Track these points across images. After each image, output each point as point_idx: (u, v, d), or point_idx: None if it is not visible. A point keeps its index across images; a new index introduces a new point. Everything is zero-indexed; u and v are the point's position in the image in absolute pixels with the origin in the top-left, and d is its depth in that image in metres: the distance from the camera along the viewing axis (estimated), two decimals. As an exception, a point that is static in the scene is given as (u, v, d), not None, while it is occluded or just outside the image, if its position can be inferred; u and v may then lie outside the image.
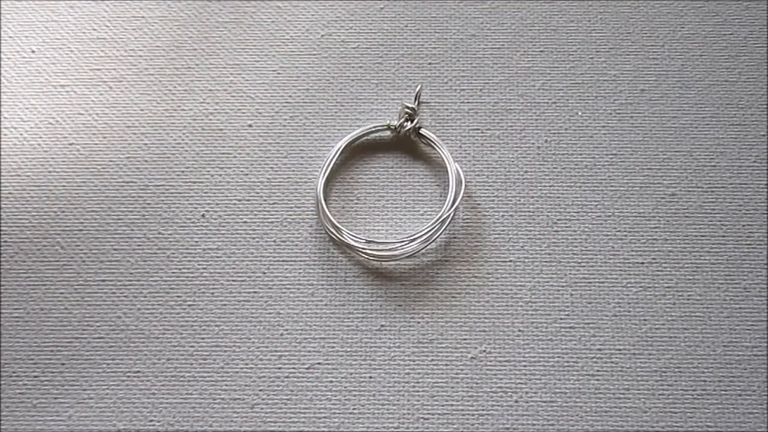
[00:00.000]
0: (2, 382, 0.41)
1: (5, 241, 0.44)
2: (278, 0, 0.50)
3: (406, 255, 0.43)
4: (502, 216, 0.44)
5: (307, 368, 0.41)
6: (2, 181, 0.45)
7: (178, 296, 0.42)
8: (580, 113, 0.46)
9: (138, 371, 0.41)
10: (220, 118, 0.46)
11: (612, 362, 0.41)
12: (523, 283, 0.42)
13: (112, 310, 0.42)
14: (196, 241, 0.44)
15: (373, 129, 0.46)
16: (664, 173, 0.45)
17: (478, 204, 0.44)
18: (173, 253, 0.43)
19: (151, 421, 0.40)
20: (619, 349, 0.41)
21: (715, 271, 0.42)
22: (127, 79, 0.47)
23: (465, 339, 0.41)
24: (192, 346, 0.41)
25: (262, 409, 0.40)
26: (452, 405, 0.40)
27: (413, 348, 0.41)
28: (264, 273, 0.43)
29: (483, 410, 0.40)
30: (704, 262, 0.43)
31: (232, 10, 0.49)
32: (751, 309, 0.42)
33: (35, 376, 0.41)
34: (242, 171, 0.45)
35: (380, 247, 0.43)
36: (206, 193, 0.45)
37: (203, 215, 0.44)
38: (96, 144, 0.46)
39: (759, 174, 0.44)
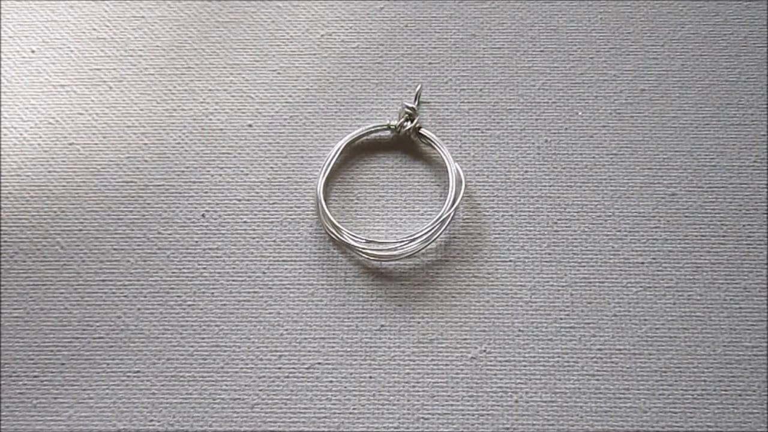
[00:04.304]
0: (2, 382, 0.41)
1: (5, 241, 0.44)
2: (278, 0, 0.50)
3: (406, 255, 0.43)
4: (502, 216, 0.44)
5: (307, 368, 0.41)
6: (2, 181, 0.45)
7: (178, 296, 0.42)
8: (580, 113, 0.46)
9: (138, 371, 0.41)
10: (220, 118, 0.46)
11: (612, 362, 0.41)
12: (523, 283, 0.42)
13: (112, 310, 0.42)
14: (196, 241, 0.44)
15: (373, 129, 0.46)
16: (664, 173, 0.45)
17: (478, 204, 0.44)
18: (173, 253, 0.43)
19: (151, 421, 0.40)
20: (619, 349, 0.41)
21: (715, 271, 0.42)
22: (127, 79, 0.47)
23: (465, 339, 0.41)
24: (192, 346, 0.41)
25: (262, 409, 0.40)
26: (452, 405, 0.40)
27: (413, 348, 0.41)
28: (264, 273, 0.43)
29: (483, 410, 0.40)
30: (704, 262, 0.43)
31: (232, 10, 0.49)
32: (751, 309, 0.42)
33: (35, 376, 0.41)
34: (242, 171, 0.45)
35: (380, 247, 0.43)
36: (206, 193, 0.45)
37: (203, 215, 0.44)
38: (96, 144, 0.46)
39: (759, 174, 0.44)
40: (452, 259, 0.43)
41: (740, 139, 0.45)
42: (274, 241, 0.44)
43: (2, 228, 0.44)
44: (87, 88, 0.47)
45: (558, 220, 0.44)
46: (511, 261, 0.43)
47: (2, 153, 0.46)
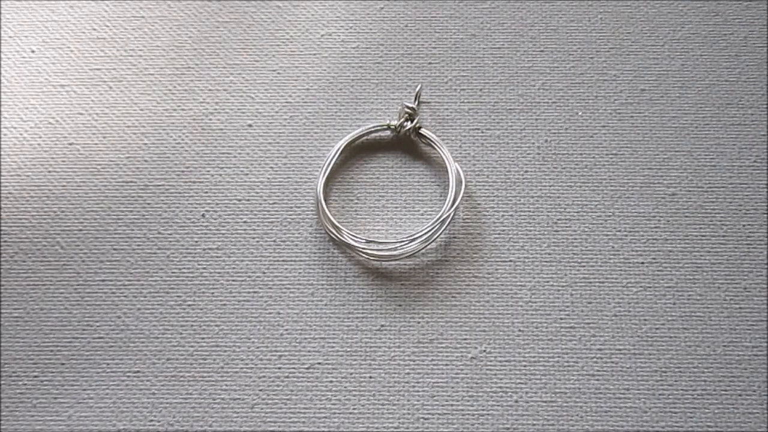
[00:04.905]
0: (2, 382, 0.41)
1: (5, 241, 0.44)
2: (278, 0, 0.50)
3: (406, 255, 0.43)
4: (502, 216, 0.44)
5: (307, 368, 0.41)
6: (2, 181, 0.45)
7: (178, 296, 0.42)
8: (580, 113, 0.46)
9: (138, 371, 0.41)
10: (220, 118, 0.46)
11: (612, 362, 0.41)
12: (523, 283, 0.42)
13: (112, 310, 0.42)
14: (196, 241, 0.44)
15: (373, 129, 0.46)
16: (664, 173, 0.45)
17: (478, 204, 0.44)
18: (173, 253, 0.43)
19: (151, 421, 0.40)
20: (619, 349, 0.41)
21: (715, 271, 0.42)
22: (127, 79, 0.47)
23: (465, 339, 0.41)
24: (192, 346, 0.41)
25: (262, 409, 0.40)
26: (452, 405, 0.40)
27: (413, 348, 0.41)
28: (264, 273, 0.43)
29: (483, 410, 0.40)
30: (704, 262, 0.43)
31: (232, 10, 0.49)
32: (751, 309, 0.42)
33: (35, 376, 0.41)
34: (242, 171, 0.45)
35: (380, 247, 0.43)
36: (206, 193, 0.45)
37: (203, 215, 0.44)
38: (96, 144, 0.46)
39: (759, 174, 0.44)
40: (452, 259, 0.43)
41: (740, 139, 0.45)
42: (274, 241, 0.44)
43: (2, 228, 0.44)
44: (87, 88, 0.47)
45: (558, 220, 0.44)
46: (511, 261, 0.43)
47: (2, 153, 0.46)
